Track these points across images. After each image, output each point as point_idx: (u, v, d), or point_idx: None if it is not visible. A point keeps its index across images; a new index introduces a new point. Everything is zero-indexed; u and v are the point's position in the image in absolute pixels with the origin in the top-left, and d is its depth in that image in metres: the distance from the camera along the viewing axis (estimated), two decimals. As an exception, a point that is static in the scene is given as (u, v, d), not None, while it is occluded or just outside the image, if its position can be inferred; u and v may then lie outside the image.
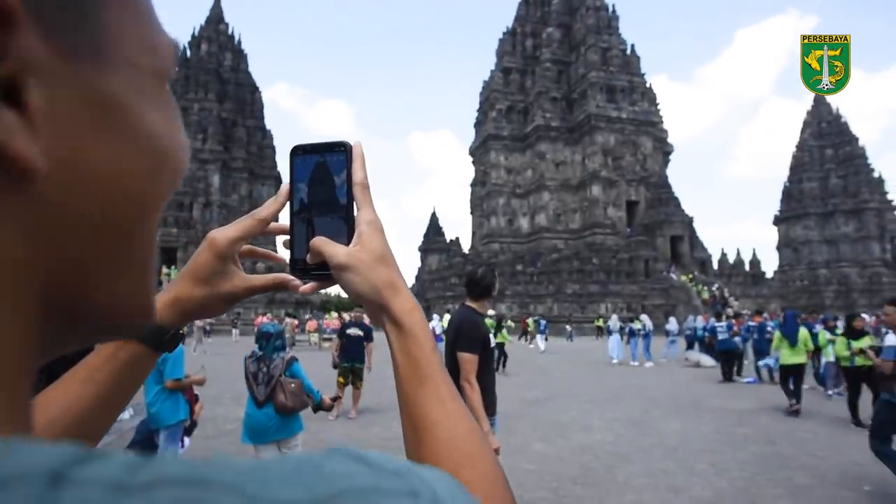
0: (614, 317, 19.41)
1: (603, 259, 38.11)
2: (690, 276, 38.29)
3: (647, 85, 45.07)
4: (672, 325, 19.31)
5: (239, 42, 48.57)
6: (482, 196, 48.91)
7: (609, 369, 15.42)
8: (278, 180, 48.43)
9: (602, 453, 6.03)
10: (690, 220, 41.55)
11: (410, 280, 53.80)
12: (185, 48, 45.93)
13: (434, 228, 53.87)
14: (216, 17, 47.54)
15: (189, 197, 40.15)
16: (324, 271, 0.51)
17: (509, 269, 38.78)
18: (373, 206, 0.51)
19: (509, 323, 26.77)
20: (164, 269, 36.73)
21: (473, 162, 52.03)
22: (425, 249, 52.76)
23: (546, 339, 22.27)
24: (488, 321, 16.39)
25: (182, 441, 4.89)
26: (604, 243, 40.81)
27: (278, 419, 3.97)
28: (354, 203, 0.51)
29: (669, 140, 47.27)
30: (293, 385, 3.94)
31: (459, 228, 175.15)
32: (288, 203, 0.53)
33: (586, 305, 35.56)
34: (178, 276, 0.54)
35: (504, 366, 13.96)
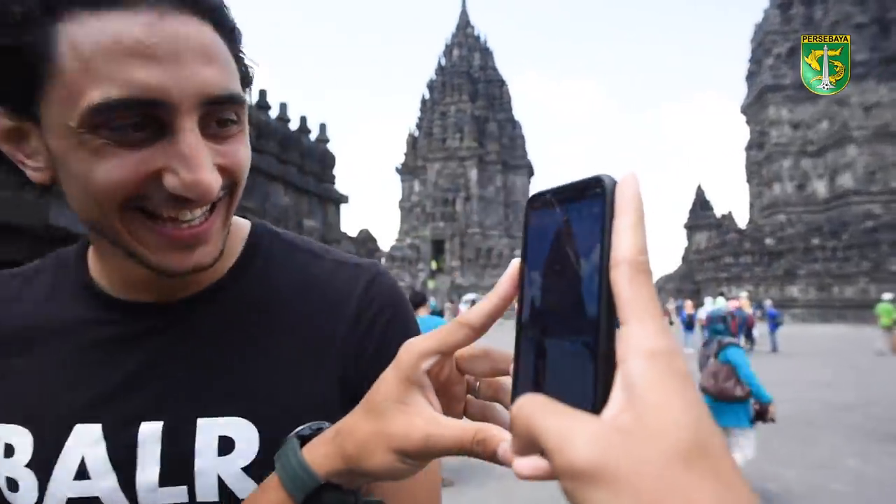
0: None
1: (948, 224, 28.74)
2: None
3: None
4: None
5: (485, 41, 51.37)
6: (760, 160, 41.73)
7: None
8: (530, 169, 49.70)
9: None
10: None
11: (676, 261, 49.45)
12: (439, 58, 50.59)
13: (701, 203, 48.38)
14: (464, 24, 51.13)
15: (451, 192, 44.23)
16: None
17: (802, 244, 32.17)
18: (660, 314, 0.24)
19: None
20: (433, 261, 41.06)
21: (747, 121, 44.71)
22: (691, 227, 47.79)
23: None
24: (884, 306, 12.44)
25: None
26: (948, 203, 30.77)
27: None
28: (618, 309, 0.24)
29: None
30: (718, 369, 3.85)
31: (729, 202, 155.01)
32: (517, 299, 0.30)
33: (922, 286, 27.28)
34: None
35: None
